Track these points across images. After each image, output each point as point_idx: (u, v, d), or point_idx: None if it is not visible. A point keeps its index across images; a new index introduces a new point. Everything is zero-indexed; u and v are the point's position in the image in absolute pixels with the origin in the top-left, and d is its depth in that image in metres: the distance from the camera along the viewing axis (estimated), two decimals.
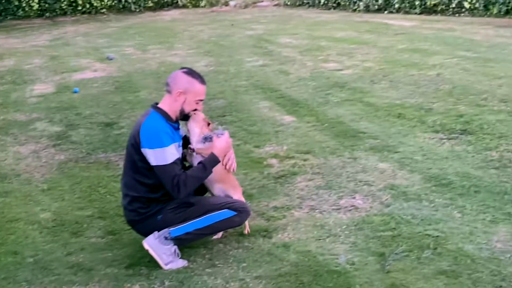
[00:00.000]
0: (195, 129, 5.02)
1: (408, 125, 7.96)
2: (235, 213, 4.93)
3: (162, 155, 4.68)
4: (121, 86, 11.38)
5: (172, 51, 14.93)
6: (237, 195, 5.19)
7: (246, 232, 5.26)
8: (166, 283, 4.62)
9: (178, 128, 4.99)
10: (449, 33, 15.24)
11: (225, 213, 4.90)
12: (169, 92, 4.88)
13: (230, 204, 4.95)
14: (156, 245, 4.84)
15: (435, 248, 4.84)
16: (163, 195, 4.91)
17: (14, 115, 9.74)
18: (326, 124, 8.27)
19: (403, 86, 9.98)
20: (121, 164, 7.13)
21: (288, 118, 8.73)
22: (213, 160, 4.90)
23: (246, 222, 5.21)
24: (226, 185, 5.17)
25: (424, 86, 9.89)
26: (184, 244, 5.00)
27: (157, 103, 4.95)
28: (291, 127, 8.29)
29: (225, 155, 5.05)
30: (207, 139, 4.99)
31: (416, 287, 4.36)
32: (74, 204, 6.30)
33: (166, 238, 4.85)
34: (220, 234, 5.25)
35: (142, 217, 4.93)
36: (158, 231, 4.87)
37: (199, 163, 4.91)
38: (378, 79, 10.60)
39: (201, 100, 4.95)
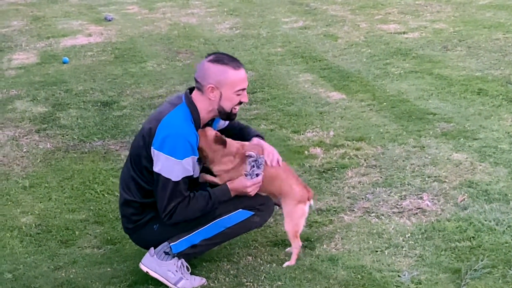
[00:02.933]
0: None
1: (491, 104, 7.90)
2: (252, 212, 4.85)
3: (171, 167, 4.59)
4: (123, 55, 11.46)
5: (187, 10, 14.97)
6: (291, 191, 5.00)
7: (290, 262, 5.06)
8: None
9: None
10: None
11: (240, 215, 4.83)
12: (199, 90, 4.72)
13: (245, 202, 4.85)
14: (156, 264, 4.78)
15: None
16: None
17: None
18: (384, 103, 8.25)
19: (485, 54, 9.90)
20: (123, 154, 7.22)
21: (336, 95, 8.73)
22: (223, 195, 4.79)
23: (294, 254, 5.05)
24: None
25: None
26: (192, 258, 4.97)
27: (192, 90, 4.79)
28: (340, 107, 8.28)
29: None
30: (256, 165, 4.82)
31: None
32: (63, 205, 6.37)
33: (166, 253, 4.79)
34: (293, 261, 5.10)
35: (135, 225, 4.89)
36: (156, 245, 4.80)
37: (205, 190, 4.81)
38: (452, 45, 10.53)
39: (243, 90, 4.76)
